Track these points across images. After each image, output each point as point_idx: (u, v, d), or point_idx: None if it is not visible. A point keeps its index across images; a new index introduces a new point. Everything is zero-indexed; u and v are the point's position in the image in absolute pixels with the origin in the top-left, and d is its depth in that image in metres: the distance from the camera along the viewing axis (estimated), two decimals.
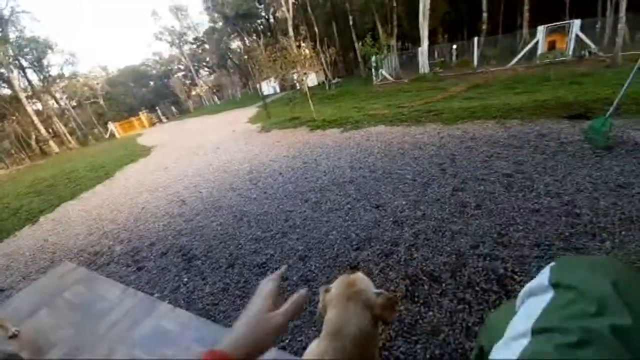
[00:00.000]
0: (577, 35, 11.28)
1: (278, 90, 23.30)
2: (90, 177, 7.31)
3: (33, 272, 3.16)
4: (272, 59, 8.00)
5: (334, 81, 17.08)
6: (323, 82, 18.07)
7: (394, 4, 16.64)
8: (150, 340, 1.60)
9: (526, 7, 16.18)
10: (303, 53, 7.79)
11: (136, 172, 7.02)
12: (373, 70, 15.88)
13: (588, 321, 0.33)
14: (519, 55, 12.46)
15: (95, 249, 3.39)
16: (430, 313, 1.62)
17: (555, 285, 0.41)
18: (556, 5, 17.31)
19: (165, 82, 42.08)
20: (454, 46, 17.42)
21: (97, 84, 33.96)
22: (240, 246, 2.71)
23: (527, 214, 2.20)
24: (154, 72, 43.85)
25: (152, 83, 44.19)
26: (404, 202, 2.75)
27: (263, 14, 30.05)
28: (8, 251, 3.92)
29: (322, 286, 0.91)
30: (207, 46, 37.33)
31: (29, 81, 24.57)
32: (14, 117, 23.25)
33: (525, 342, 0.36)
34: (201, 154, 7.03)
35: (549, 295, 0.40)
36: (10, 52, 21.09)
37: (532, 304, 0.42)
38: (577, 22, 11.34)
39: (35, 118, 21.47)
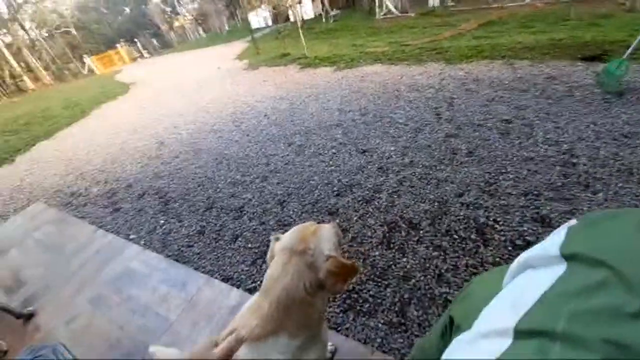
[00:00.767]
0: None
1: (270, 22, 20.78)
2: (65, 115, 6.82)
3: (11, 212, 3.08)
4: None
5: (332, 13, 15.10)
6: (320, 15, 16.02)
7: None
8: (117, 280, 1.57)
9: None
10: None
11: (114, 111, 6.54)
12: (377, 1, 13.96)
13: (623, 327, 0.18)
14: None
15: (72, 189, 3.26)
16: (405, 259, 1.59)
17: (570, 257, 0.25)
18: None
19: (142, 8, 37.07)
20: None
21: (66, 9, 29.79)
22: (218, 189, 2.60)
23: (520, 163, 2.06)
24: None
25: (127, 10, 38.97)
26: (392, 148, 2.57)
27: None
28: None
29: (274, 233, 0.79)
30: None
31: None
32: None
33: (501, 345, 0.22)
34: (183, 94, 6.48)
35: (557, 271, 0.25)
36: None
37: (525, 284, 0.28)
38: None
39: (5, 51, 19.28)
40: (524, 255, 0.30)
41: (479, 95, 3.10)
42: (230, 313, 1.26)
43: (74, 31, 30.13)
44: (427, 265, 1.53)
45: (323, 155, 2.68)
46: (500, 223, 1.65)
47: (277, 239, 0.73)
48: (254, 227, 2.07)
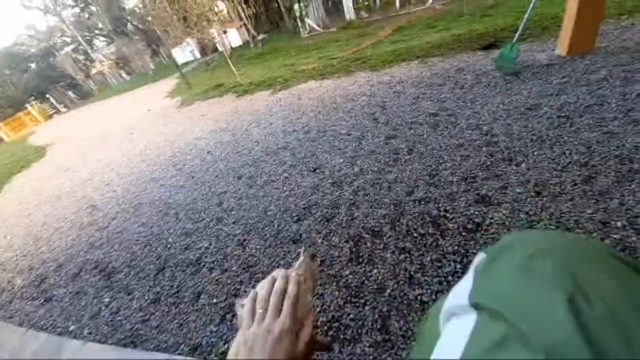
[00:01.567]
0: None
1: (198, 55, 20.38)
2: None
3: None
4: (179, 15, 6.54)
5: (259, 37, 15.40)
6: (247, 42, 16.22)
7: None
8: None
9: None
10: (215, 5, 6.53)
11: (31, 181, 5.67)
12: (299, 21, 14.64)
13: None
14: None
15: None
16: (375, 270, 1.58)
17: (476, 306, 0.24)
18: None
19: (50, 62, 33.65)
20: None
21: None
22: (169, 245, 2.36)
23: (453, 150, 2.24)
24: (33, 50, 34.56)
25: (33, 65, 35.07)
26: (341, 160, 2.62)
27: None
28: None
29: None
30: (93, 8, 30.02)
31: None
32: None
33: None
34: (112, 144, 5.91)
35: (470, 323, 0.23)
36: None
37: (449, 336, 0.26)
38: None
39: None
40: (446, 304, 0.29)
41: (406, 95, 3.36)
42: None
43: None
44: (397, 270, 1.54)
45: (276, 182, 2.61)
46: (450, 212, 1.75)
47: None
48: (217, 277, 1.90)
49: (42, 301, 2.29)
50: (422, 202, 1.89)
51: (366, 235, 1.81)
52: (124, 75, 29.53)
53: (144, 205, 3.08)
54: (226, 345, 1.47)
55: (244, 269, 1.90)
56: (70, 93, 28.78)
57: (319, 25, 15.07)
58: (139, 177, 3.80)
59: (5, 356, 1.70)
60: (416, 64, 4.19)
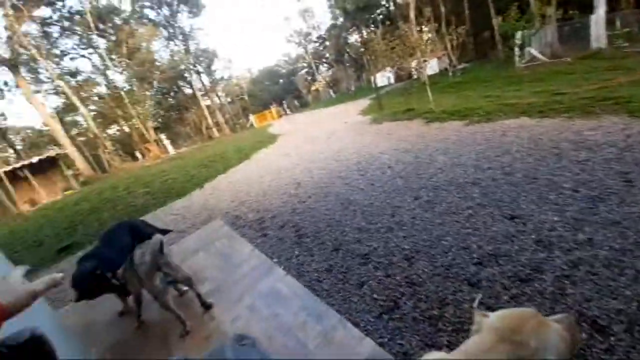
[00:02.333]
0: None
1: (392, 81, 22.46)
2: (235, 157, 9.30)
3: (198, 222, 4.33)
4: (389, 47, 7.59)
5: (459, 67, 14.90)
6: (445, 69, 16.07)
7: None
8: (267, 296, 1.89)
9: None
10: (424, 37, 7.04)
11: (266, 155, 8.42)
12: (516, 49, 12.80)
13: None
14: None
15: (236, 213, 4.29)
16: None
17: None
18: None
19: (291, 79, 48.13)
20: None
21: (244, 83, 42.44)
22: (345, 233, 2.81)
23: None
24: (284, 71, 50.83)
25: (281, 81, 51.51)
26: (555, 219, 2.11)
27: (383, 2, 29.27)
28: (186, 204, 5.52)
29: (477, 310, 0.76)
30: (327, 43, 39.93)
31: (202, 83, 33.27)
32: (193, 110, 32.26)
33: None
34: (316, 143, 7.68)
35: None
36: (191, 60, 29.03)
37: None
38: None
39: (206, 111, 29.08)
40: None
41: None
42: None
43: (246, 97, 41.95)
44: None
45: (457, 215, 2.49)
46: None
47: (485, 316, 0.70)
48: (380, 277, 2.07)
49: (260, 234, 3.37)
50: None
51: (583, 323, 1.37)
52: (331, 93, 37.38)
53: (331, 194, 3.82)
54: (380, 340, 1.58)
55: (407, 283, 1.96)
56: (295, 101, 40.00)
57: (543, 54, 12.55)
58: (330, 172, 4.74)
59: (239, 260, 2.64)
60: None
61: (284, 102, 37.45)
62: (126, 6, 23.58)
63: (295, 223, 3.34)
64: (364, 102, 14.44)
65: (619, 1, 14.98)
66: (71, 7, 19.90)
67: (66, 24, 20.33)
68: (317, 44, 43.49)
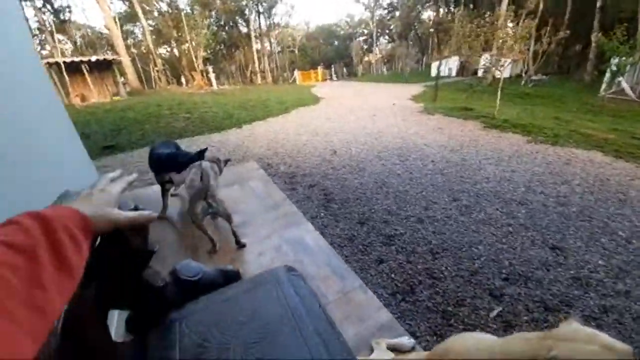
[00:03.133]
0: None
1: (454, 73, 20.72)
2: (275, 107, 9.30)
3: (233, 160, 4.49)
4: (476, 33, 6.78)
5: (534, 77, 13.38)
6: (518, 76, 14.52)
7: None
8: (294, 243, 2.00)
9: None
10: (518, 33, 6.24)
11: (306, 114, 8.34)
12: (607, 75, 11.18)
13: None
14: None
15: (268, 161, 4.40)
16: None
17: None
18: None
19: (347, 44, 45.61)
20: None
21: (299, 36, 40.80)
22: (373, 211, 2.82)
23: None
24: (342, 32, 48.05)
25: (336, 43, 48.96)
26: (600, 262, 2.00)
27: None
28: (222, 139, 5.70)
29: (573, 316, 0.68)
30: (397, 13, 36.77)
31: (259, 24, 32.33)
32: (242, 50, 31.85)
33: None
34: (358, 116, 7.47)
35: None
36: None
37: None
38: None
39: (255, 54, 28.64)
40: None
41: None
42: (378, 329, 1.34)
43: (296, 51, 40.62)
44: None
45: (495, 228, 2.41)
46: None
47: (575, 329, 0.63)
48: (401, 261, 2.11)
49: (289, 187, 3.47)
50: None
51: None
52: (384, 69, 35.30)
53: (366, 171, 3.79)
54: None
55: (427, 274, 1.98)
56: (344, 69, 38.28)
57: (634, 91, 10.96)
58: (369, 150, 4.66)
59: (276, 203, 2.74)
60: None
61: (332, 65, 35.92)
62: None
63: (325, 187, 3.39)
64: (417, 88, 13.59)
65: None
66: None
67: None
68: (385, 12, 40.19)
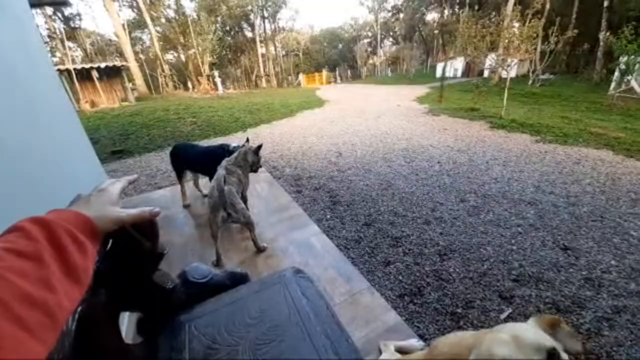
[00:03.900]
0: None
1: (459, 74, 20.59)
2: (280, 111, 9.35)
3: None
4: (482, 34, 6.71)
5: (542, 76, 13.19)
6: (525, 75, 14.35)
7: None
8: (301, 245, 2.00)
9: None
10: (524, 32, 6.17)
11: (311, 117, 8.37)
12: (617, 74, 10.95)
13: None
14: None
15: (274, 164, 4.42)
16: None
17: None
18: None
19: (351, 46, 45.72)
20: None
21: (303, 39, 41.08)
22: (379, 212, 2.81)
23: None
24: (346, 35, 48.23)
25: (340, 46, 49.14)
26: (613, 262, 1.95)
27: None
28: (228, 143, 5.74)
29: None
30: (401, 15, 36.77)
31: (264, 29, 32.65)
32: (248, 55, 32.19)
33: None
34: (363, 118, 7.47)
35: None
36: (260, 3, 28.25)
37: None
38: None
39: (260, 59, 28.92)
40: None
41: None
42: (386, 331, 1.33)
43: (301, 55, 40.89)
44: None
45: (503, 229, 2.37)
46: None
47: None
48: (408, 263, 2.09)
49: (294, 190, 3.48)
50: None
51: None
52: (388, 71, 35.28)
53: (372, 173, 3.78)
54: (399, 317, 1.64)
55: (435, 276, 1.96)
56: (348, 71, 38.36)
57: None
58: (374, 152, 4.64)
59: (278, 206, 2.76)
60: None
61: (337, 68, 36.04)
62: None
63: (330, 189, 3.39)
64: (422, 89, 13.53)
65: None
66: None
67: None
68: (389, 14, 40.19)
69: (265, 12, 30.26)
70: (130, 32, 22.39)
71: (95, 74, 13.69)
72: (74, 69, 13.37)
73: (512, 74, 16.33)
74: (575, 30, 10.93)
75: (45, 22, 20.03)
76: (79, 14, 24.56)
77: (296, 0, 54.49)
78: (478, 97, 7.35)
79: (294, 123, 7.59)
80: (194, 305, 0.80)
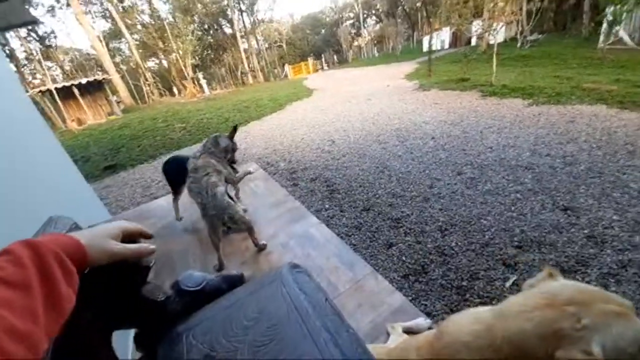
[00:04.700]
0: None
1: (446, 45, 20.15)
2: (269, 105, 9.22)
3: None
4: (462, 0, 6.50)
5: (531, 37, 12.90)
6: (513, 39, 14.05)
7: None
8: (301, 238, 1.99)
9: None
10: None
11: (301, 108, 8.25)
12: (604, 26, 10.70)
13: None
14: None
15: (268, 160, 4.38)
16: None
17: None
18: None
19: (334, 30, 44.63)
20: None
21: (284, 29, 40.10)
22: (377, 196, 2.80)
23: None
24: (327, 19, 47.01)
25: (323, 31, 47.99)
26: (615, 217, 1.94)
27: None
28: None
29: (550, 268, 0.66)
30: None
31: (243, 23, 31.77)
32: (230, 52, 31.48)
33: None
34: (353, 103, 7.36)
35: None
36: None
37: None
38: None
39: (243, 54, 28.31)
40: None
41: None
42: (392, 313, 1.34)
43: (284, 46, 40.00)
44: None
45: (502, 197, 2.36)
46: None
47: (552, 275, 0.64)
48: (410, 242, 2.09)
49: (291, 183, 3.46)
50: None
51: None
52: (375, 51, 34.55)
53: (367, 157, 3.74)
54: (405, 297, 1.64)
55: (438, 252, 1.96)
56: (334, 56, 37.60)
57: (632, 39, 10.52)
58: (367, 135, 4.59)
59: (273, 202, 2.74)
60: None
61: (322, 55, 35.33)
62: None
63: (327, 178, 3.37)
64: (410, 65, 13.29)
65: None
66: None
67: None
68: None
69: (241, 4, 29.39)
70: (107, 44, 21.86)
71: (76, 91, 13.41)
72: (55, 88, 13.11)
73: (500, 38, 16.00)
74: None
75: (21, 45, 19.52)
76: (52, 32, 23.90)
77: None
78: (467, 66, 7.22)
79: (284, 116, 7.49)
80: (191, 313, 0.79)
